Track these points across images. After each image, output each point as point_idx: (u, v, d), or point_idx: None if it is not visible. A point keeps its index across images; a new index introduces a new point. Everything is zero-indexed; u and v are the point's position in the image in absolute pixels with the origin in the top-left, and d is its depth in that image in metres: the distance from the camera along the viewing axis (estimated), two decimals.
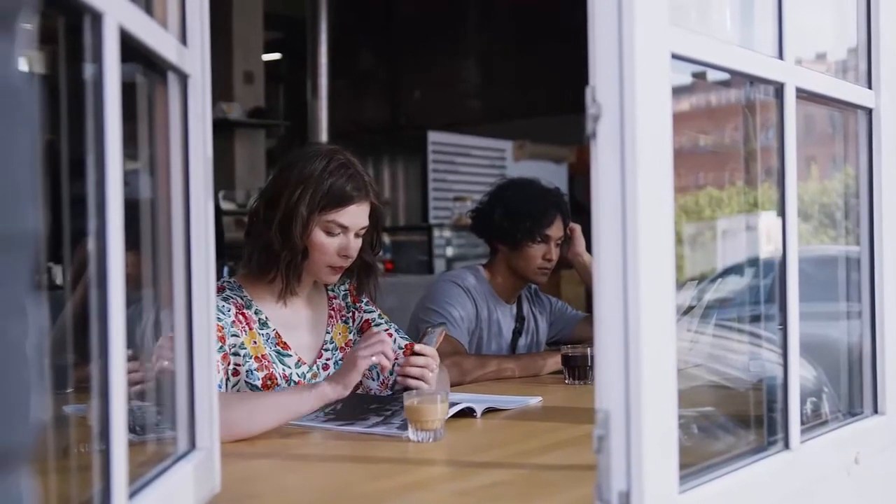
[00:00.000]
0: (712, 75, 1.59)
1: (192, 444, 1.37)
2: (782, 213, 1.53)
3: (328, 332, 2.37)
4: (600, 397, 1.19)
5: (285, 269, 2.23)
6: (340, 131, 9.30)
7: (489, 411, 2.20)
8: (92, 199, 1.00)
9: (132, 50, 1.11)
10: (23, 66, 0.59)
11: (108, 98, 1.01)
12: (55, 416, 1.14)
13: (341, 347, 2.38)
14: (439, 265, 7.11)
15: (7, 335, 0.54)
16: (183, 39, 1.36)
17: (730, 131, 2.04)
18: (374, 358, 2.04)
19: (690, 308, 1.95)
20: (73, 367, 1.20)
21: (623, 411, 1.17)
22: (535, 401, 2.37)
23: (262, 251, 2.23)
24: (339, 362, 2.34)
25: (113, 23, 1.01)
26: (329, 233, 2.23)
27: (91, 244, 1.00)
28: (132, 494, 1.09)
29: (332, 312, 2.41)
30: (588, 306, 4.18)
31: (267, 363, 2.20)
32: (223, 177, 7.30)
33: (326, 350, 2.36)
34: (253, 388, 2.17)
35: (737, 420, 1.70)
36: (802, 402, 1.59)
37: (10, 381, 0.54)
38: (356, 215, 2.24)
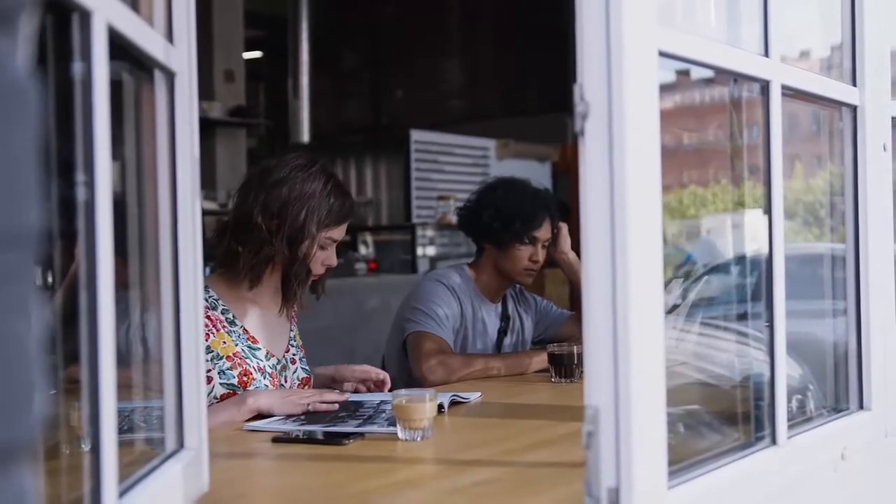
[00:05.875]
0: (695, 73, 1.60)
1: (181, 444, 1.37)
2: (768, 210, 1.53)
3: (292, 331, 2.46)
4: (589, 393, 1.19)
5: (297, 284, 2.30)
6: (322, 131, 9.29)
7: (454, 404, 2.25)
8: (80, 199, 0.99)
9: (118, 48, 1.11)
10: (25, 64, 0.59)
11: (97, 96, 1.00)
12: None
13: (301, 346, 2.48)
14: (422, 264, 7.10)
15: (12, 332, 0.54)
16: (169, 37, 1.35)
17: (713, 129, 2.05)
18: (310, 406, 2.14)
19: (675, 306, 1.96)
20: (59, 369, 1.19)
21: (612, 407, 1.17)
22: (475, 396, 2.39)
23: (264, 262, 2.27)
24: (303, 358, 2.46)
25: (101, 21, 1.01)
26: (323, 248, 2.31)
27: (80, 245, 1.00)
28: (122, 493, 1.08)
29: (293, 313, 2.48)
30: (572, 305, 4.19)
31: (240, 360, 2.25)
32: (204, 176, 7.21)
33: (292, 346, 2.44)
34: (229, 387, 2.19)
35: (724, 417, 1.71)
36: (788, 400, 1.60)
37: (14, 377, 0.54)
38: (345, 229, 2.36)
